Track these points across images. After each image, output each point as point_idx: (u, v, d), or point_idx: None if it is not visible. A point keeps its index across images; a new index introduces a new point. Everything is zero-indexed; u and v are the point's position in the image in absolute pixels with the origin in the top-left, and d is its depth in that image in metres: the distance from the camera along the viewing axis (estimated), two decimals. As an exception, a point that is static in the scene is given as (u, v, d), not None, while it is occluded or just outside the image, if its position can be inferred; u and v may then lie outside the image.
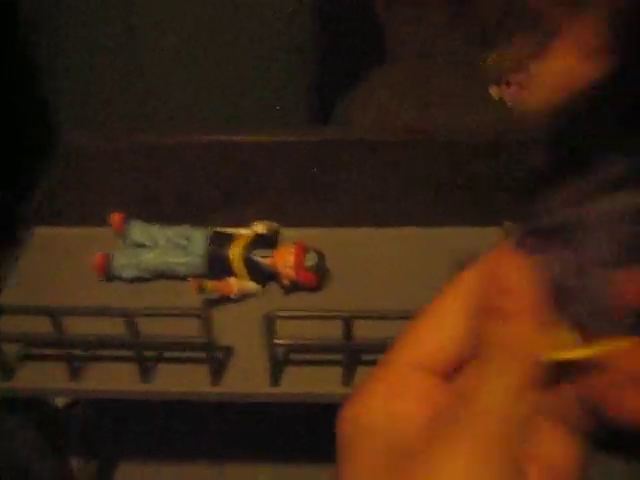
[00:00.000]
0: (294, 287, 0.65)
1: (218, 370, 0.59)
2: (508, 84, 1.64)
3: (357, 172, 0.73)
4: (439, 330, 0.29)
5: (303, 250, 0.64)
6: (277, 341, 0.55)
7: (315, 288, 0.65)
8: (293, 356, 0.60)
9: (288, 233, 0.72)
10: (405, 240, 0.72)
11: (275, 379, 0.58)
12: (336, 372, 0.58)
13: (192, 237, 0.67)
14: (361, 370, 0.59)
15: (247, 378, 0.59)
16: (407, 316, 0.54)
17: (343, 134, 0.73)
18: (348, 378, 0.58)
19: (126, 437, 0.85)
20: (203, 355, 0.57)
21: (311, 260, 0.64)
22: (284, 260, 0.63)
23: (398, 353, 0.29)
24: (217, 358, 0.58)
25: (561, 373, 0.27)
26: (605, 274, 0.26)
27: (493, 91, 1.63)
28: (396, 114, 1.47)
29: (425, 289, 0.65)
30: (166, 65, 1.06)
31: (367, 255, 0.71)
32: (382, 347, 0.56)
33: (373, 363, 0.59)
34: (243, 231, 0.68)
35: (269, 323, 0.54)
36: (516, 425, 0.25)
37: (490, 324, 0.27)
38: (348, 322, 0.54)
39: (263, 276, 0.65)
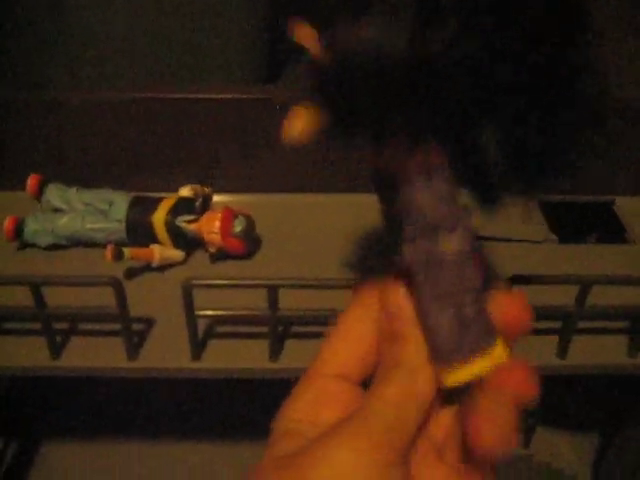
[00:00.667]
0: (222, 255, 0.61)
1: (135, 344, 0.54)
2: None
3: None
4: (353, 341, 0.32)
5: (231, 215, 0.60)
6: (196, 312, 0.51)
7: (244, 255, 0.61)
8: (217, 328, 0.56)
9: (220, 199, 0.68)
10: (340, 207, 0.68)
11: (196, 353, 0.54)
12: (263, 345, 0.54)
13: (113, 201, 0.62)
14: (289, 343, 0.56)
15: (167, 352, 0.55)
16: (335, 284, 0.50)
17: (278, 92, 0.68)
18: (275, 352, 0.54)
19: (48, 415, 0.80)
20: (119, 327, 0.53)
21: (239, 226, 0.60)
22: (210, 226, 0.59)
23: (319, 364, 0.31)
24: (133, 331, 0.54)
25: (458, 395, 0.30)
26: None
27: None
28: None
29: (357, 257, 0.62)
30: (97, 20, 1.00)
31: (301, 222, 0.67)
32: (310, 318, 0.53)
33: (302, 336, 0.56)
34: (168, 195, 0.63)
35: (187, 293, 0.49)
36: (399, 431, 0.28)
37: (383, 343, 0.31)
38: (273, 291, 0.50)
39: (188, 243, 0.61)
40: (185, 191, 0.63)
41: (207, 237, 0.59)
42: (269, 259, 0.63)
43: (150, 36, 1.08)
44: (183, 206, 0.61)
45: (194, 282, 0.49)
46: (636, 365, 0.57)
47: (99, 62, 1.08)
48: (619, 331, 0.58)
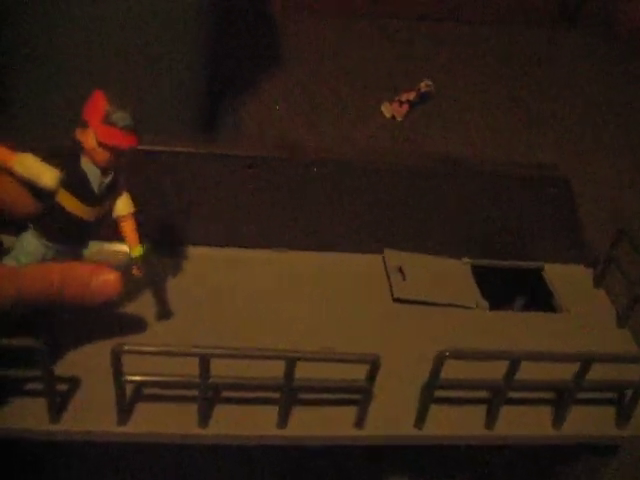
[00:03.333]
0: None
1: (59, 406, 0.52)
2: (400, 103, 1.64)
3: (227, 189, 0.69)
4: None
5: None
6: (125, 377, 0.50)
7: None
8: (148, 391, 0.55)
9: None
10: (276, 263, 0.68)
11: (122, 418, 0.52)
12: (192, 410, 0.53)
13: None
14: (220, 409, 0.55)
15: (94, 414, 0.53)
16: (272, 355, 0.50)
17: (203, 148, 0.67)
18: (205, 418, 0.53)
19: None
20: (42, 388, 0.51)
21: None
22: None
23: None
24: (57, 392, 0.52)
25: None
26: None
27: (385, 108, 1.63)
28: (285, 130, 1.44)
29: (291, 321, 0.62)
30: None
31: (236, 279, 0.67)
32: (242, 385, 0.52)
33: (232, 401, 0.55)
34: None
35: (116, 358, 0.48)
36: None
37: None
38: (204, 360, 0.49)
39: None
40: None
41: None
42: (202, 320, 0.62)
43: (85, 88, 1.08)
44: None
45: (125, 348, 0.48)
46: (560, 436, 0.59)
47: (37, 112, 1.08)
48: (545, 402, 0.59)
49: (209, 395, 0.53)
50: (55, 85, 1.07)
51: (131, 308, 0.61)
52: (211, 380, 0.51)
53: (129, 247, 0.55)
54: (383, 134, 1.58)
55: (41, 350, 0.47)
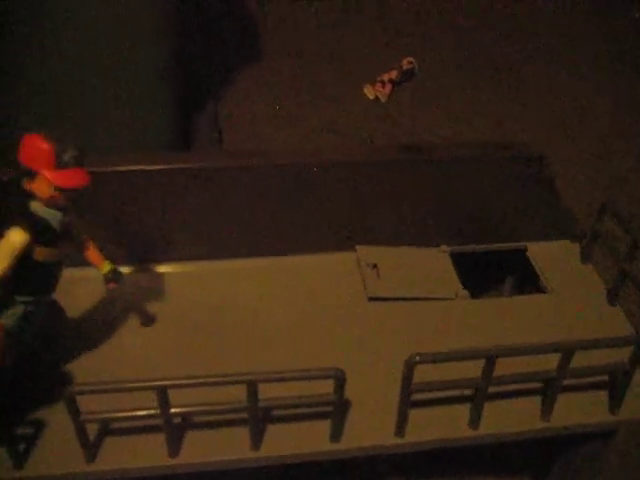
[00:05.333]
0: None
1: (22, 451, 0.51)
2: (382, 83, 1.60)
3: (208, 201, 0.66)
4: None
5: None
6: (83, 417, 0.48)
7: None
8: (114, 425, 0.53)
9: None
10: (248, 272, 0.66)
11: (89, 456, 0.50)
12: (162, 441, 0.51)
13: None
14: (190, 436, 0.52)
15: (57, 457, 0.51)
16: (230, 381, 0.48)
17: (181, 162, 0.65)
18: (174, 447, 0.51)
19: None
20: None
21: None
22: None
23: None
24: (19, 436, 0.50)
25: None
26: None
27: (368, 90, 1.59)
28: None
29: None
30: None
31: (208, 290, 0.65)
32: (207, 411, 0.50)
33: (202, 427, 0.53)
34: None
35: (70, 400, 0.46)
36: None
37: None
38: (163, 392, 0.47)
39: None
40: None
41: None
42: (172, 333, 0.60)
43: (66, 108, 1.06)
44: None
45: (77, 389, 0.46)
46: (550, 428, 0.56)
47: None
48: (532, 394, 0.57)
49: (176, 424, 0.50)
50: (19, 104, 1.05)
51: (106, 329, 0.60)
52: (172, 410, 0.48)
53: (97, 267, 0.54)
54: (367, 117, 1.54)
55: None
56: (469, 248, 0.72)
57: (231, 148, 1.32)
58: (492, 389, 0.53)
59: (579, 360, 0.53)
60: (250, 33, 1.80)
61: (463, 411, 0.55)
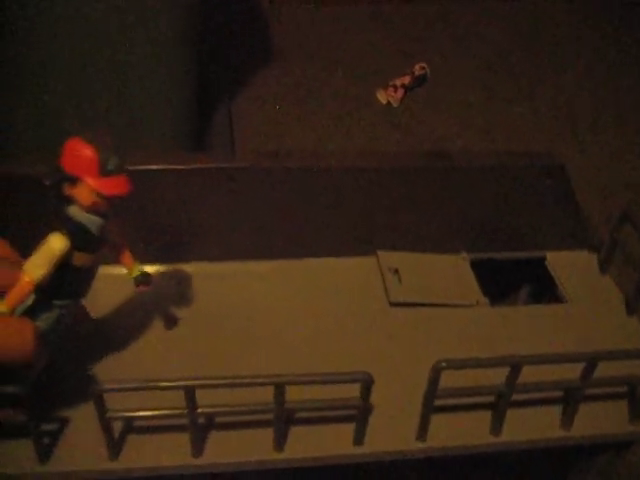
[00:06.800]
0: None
1: (47, 445, 0.51)
2: (395, 88, 1.61)
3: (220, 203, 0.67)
4: None
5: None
6: (109, 415, 0.48)
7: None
8: (138, 423, 0.53)
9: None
10: (269, 274, 0.67)
11: (113, 453, 0.50)
12: (185, 440, 0.51)
13: None
14: (214, 436, 0.53)
15: (84, 452, 0.51)
16: (259, 382, 0.48)
17: (182, 164, 0.65)
18: (198, 447, 0.51)
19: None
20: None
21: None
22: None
23: None
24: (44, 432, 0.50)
25: None
26: None
27: (380, 95, 1.60)
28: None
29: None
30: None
31: (230, 292, 0.65)
32: (232, 412, 0.50)
33: (225, 428, 0.53)
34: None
35: (97, 397, 0.46)
36: None
37: None
38: (190, 392, 0.47)
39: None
40: None
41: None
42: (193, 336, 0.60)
43: (86, 109, 1.07)
44: None
45: (104, 387, 0.46)
46: (570, 437, 0.56)
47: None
48: (553, 402, 0.57)
49: (200, 424, 0.51)
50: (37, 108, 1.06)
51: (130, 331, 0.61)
52: (199, 410, 0.49)
53: (129, 269, 0.54)
54: (380, 122, 1.54)
55: (25, 395, 0.46)
56: (489, 256, 0.72)
57: (243, 149, 1.33)
58: (514, 397, 0.53)
59: (599, 370, 0.53)
60: (264, 36, 1.81)
61: (484, 418, 0.55)
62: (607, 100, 1.62)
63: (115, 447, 0.51)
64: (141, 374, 0.54)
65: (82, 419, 0.52)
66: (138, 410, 0.49)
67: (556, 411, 0.57)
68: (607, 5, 1.96)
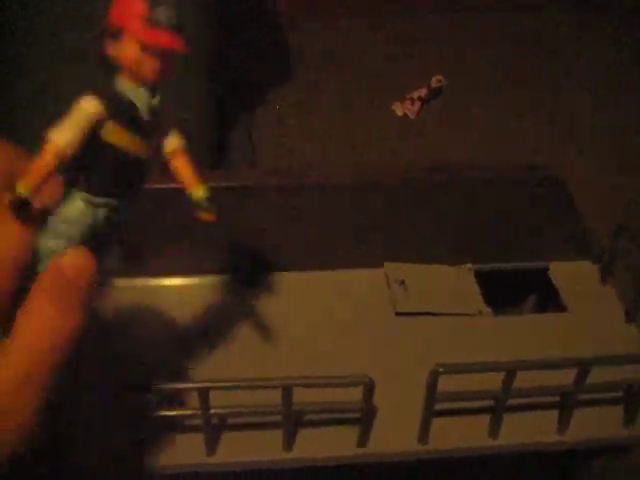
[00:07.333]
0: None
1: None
2: (412, 101, 1.64)
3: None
4: None
5: None
6: (212, 411, 0.53)
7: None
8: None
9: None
10: (277, 286, 0.70)
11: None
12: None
13: None
14: (225, 439, 0.56)
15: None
16: (268, 385, 0.52)
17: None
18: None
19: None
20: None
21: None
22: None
23: None
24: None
25: None
26: None
27: (397, 107, 1.63)
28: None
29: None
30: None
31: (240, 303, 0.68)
32: (243, 413, 0.54)
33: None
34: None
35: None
36: None
37: None
38: (204, 393, 0.51)
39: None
40: None
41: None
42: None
43: None
44: None
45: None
46: (565, 442, 0.59)
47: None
48: (549, 407, 0.60)
49: (213, 425, 0.54)
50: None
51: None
52: (212, 411, 0.52)
53: (189, 188, 0.42)
54: (396, 134, 1.58)
55: None
56: (493, 267, 0.75)
57: (264, 165, 1.37)
58: (511, 402, 0.56)
59: (596, 376, 0.56)
60: (281, 49, 1.85)
61: (483, 422, 0.58)
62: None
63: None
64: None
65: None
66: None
67: (553, 416, 0.59)
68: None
